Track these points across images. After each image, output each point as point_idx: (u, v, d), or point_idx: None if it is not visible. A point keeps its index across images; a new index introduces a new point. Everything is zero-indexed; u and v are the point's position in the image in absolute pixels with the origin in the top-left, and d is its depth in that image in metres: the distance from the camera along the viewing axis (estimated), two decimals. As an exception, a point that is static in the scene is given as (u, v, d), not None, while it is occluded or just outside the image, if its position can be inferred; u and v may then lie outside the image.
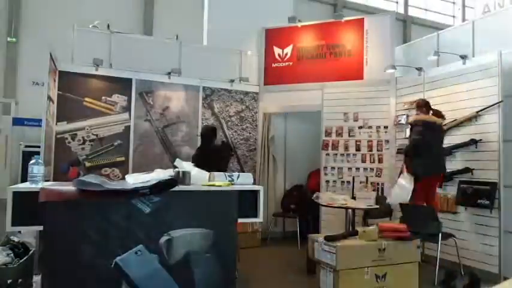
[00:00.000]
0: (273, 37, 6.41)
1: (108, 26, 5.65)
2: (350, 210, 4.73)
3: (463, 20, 17.58)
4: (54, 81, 4.84)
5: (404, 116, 5.32)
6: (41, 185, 2.50)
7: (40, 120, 4.50)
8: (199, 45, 6.43)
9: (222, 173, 3.07)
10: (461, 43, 5.07)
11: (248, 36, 6.47)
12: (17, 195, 2.37)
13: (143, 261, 2.51)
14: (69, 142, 5.06)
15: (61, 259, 2.41)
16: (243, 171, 5.62)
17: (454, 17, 18.87)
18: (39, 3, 11.64)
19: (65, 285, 2.42)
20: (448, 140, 4.76)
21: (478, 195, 4.32)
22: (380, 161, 5.52)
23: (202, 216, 2.70)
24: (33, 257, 3.38)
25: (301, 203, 6.04)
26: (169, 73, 5.61)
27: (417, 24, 17.36)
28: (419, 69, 5.24)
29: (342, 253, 3.40)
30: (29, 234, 3.63)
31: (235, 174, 3.03)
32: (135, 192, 2.55)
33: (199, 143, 5.79)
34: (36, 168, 2.53)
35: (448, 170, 4.69)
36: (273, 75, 6.33)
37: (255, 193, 2.91)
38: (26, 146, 9.71)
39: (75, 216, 2.44)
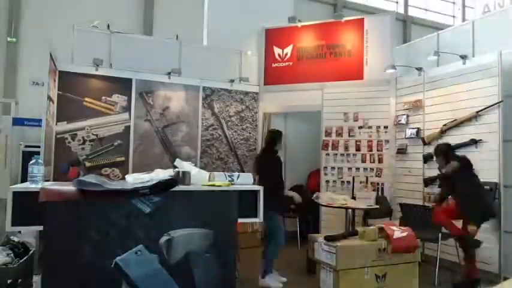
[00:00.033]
0: (273, 37, 6.41)
1: (108, 26, 5.65)
2: (350, 210, 4.73)
3: (463, 20, 17.57)
4: (54, 81, 4.84)
5: (404, 116, 5.33)
6: (41, 185, 2.50)
7: (40, 120, 4.50)
8: (199, 45, 6.43)
9: (221, 173, 3.08)
10: (461, 43, 5.07)
11: (248, 36, 6.47)
12: (17, 195, 2.37)
13: (143, 261, 2.51)
14: (69, 142, 5.06)
15: (61, 259, 2.41)
16: (243, 171, 5.62)
17: (454, 17, 18.86)
18: (39, 3, 11.63)
19: (64, 285, 2.42)
20: (448, 140, 4.76)
21: (478, 195, 4.31)
22: (380, 161, 5.52)
23: (202, 216, 2.70)
24: (33, 257, 3.38)
25: (301, 203, 6.02)
26: (169, 73, 5.61)
27: (417, 24, 17.34)
28: (419, 69, 5.24)
29: (342, 253, 3.40)
30: (29, 234, 3.64)
31: (235, 174, 3.03)
32: (135, 192, 2.55)
33: (199, 143, 5.81)
34: (36, 168, 2.53)
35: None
36: (273, 75, 6.32)
37: (255, 193, 2.91)
38: (26, 146, 9.71)
39: (75, 216, 2.44)
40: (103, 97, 5.27)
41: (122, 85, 5.39)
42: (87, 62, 5.19)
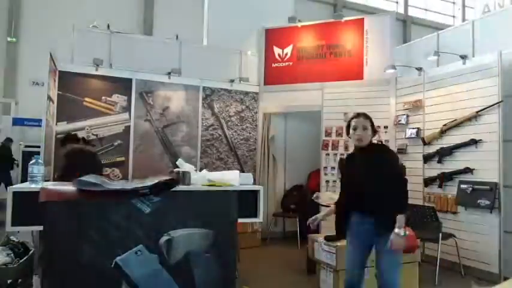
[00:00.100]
0: (273, 37, 6.41)
1: (108, 26, 5.66)
2: (350, 210, 4.71)
3: (463, 20, 17.58)
4: (54, 81, 4.84)
5: (404, 116, 5.33)
6: (41, 185, 2.49)
7: (40, 120, 4.50)
8: (199, 45, 6.43)
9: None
10: (461, 43, 5.07)
11: (248, 36, 6.47)
12: (17, 195, 2.37)
13: (143, 261, 2.51)
14: (69, 142, 5.06)
15: (61, 259, 2.41)
16: (243, 171, 5.62)
17: (454, 17, 18.87)
18: (39, 3, 11.64)
19: (64, 285, 2.42)
20: (448, 140, 4.76)
21: (478, 195, 4.32)
22: (380, 161, 5.51)
23: (202, 216, 2.70)
24: (33, 257, 3.38)
25: (301, 203, 6.04)
26: (169, 73, 5.61)
27: (417, 24, 17.36)
28: (419, 69, 5.23)
29: (342, 253, 3.39)
30: (25, 234, 3.63)
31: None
32: (135, 192, 2.55)
33: (199, 143, 5.81)
34: (36, 168, 2.52)
35: (448, 170, 4.71)
36: (273, 75, 6.32)
37: (255, 193, 2.91)
38: (26, 146, 9.73)
39: (75, 216, 2.44)
40: (103, 97, 5.27)
41: (122, 85, 5.39)
42: (87, 62, 5.19)
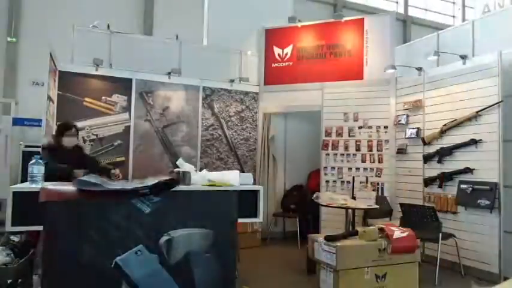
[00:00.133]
0: (273, 37, 6.41)
1: (108, 26, 5.65)
2: (350, 210, 4.72)
3: (463, 20, 17.56)
4: (54, 81, 4.84)
5: (404, 116, 5.33)
6: (41, 185, 2.50)
7: (40, 120, 4.50)
8: (199, 45, 6.43)
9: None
10: (461, 43, 5.07)
11: (248, 36, 6.47)
12: (17, 195, 2.37)
13: (143, 261, 2.51)
14: (69, 142, 5.05)
15: (61, 259, 2.41)
16: (243, 171, 5.62)
17: (454, 17, 18.85)
18: (39, 3, 11.62)
19: (64, 285, 2.42)
20: (448, 140, 4.76)
21: (478, 195, 4.33)
22: (380, 161, 5.52)
23: (202, 216, 2.70)
24: (33, 257, 3.37)
25: (301, 203, 6.04)
26: (169, 73, 5.61)
27: (417, 24, 17.33)
28: (419, 69, 5.23)
29: (342, 253, 3.40)
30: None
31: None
32: (135, 192, 2.55)
33: (199, 143, 5.81)
34: (36, 168, 2.53)
35: (448, 170, 4.71)
36: (273, 75, 6.32)
37: (255, 193, 2.91)
38: (26, 146, 9.70)
39: (75, 216, 2.44)
40: (103, 97, 5.27)
41: (122, 85, 5.39)
42: (87, 62, 5.19)
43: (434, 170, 4.90)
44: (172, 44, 6.02)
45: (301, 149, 6.43)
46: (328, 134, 5.83)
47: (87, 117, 5.16)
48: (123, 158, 5.33)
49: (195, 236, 2.66)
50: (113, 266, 2.44)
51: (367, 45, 5.81)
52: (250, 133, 6.22)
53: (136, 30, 11.81)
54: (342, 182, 5.67)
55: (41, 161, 2.59)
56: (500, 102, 4.23)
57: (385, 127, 5.54)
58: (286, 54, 6.29)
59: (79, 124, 5.08)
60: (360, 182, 5.44)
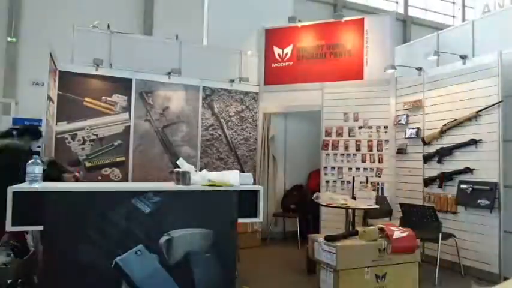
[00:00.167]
0: (273, 37, 6.41)
1: (108, 26, 5.65)
2: (350, 210, 4.72)
3: (463, 20, 17.57)
4: (54, 81, 4.84)
5: (404, 116, 5.33)
6: (41, 185, 2.50)
7: (40, 120, 4.50)
8: (199, 45, 6.43)
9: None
10: (461, 43, 5.07)
11: (248, 36, 6.47)
12: (17, 195, 2.37)
13: (143, 261, 2.51)
14: (69, 142, 5.06)
15: (61, 259, 2.41)
16: (243, 171, 5.62)
17: (454, 17, 18.85)
18: (39, 3, 11.62)
19: (65, 285, 2.42)
20: (448, 140, 4.76)
21: (478, 195, 4.32)
22: (380, 161, 5.52)
23: (202, 216, 2.70)
24: (33, 257, 3.37)
25: (301, 203, 6.05)
26: (169, 73, 5.61)
27: (417, 24, 17.33)
28: (419, 69, 5.23)
29: (342, 253, 3.40)
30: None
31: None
32: (135, 192, 2.55)
33: (199, 143, 5.81)
34: (36, 168, 2.53)
35: (448, 170, 4.71)
36: (273, 75, 6.33)
37: (255, 193, 2.91)
38: (26, 146, 9.69)
39: (75, 216, 2.44)
40: (103, 97, 5.28)
41: (122, 85, 5.39)
42: (87, 62, 5.19)
43: (434, 170, 4.90)
44: (172, 44, 6.02)
45: (301, 149, 6.43)
46: (328, 134, 5.83)
47: (87, 117, 5.17)
48: (123, 158, 5.33)
49: (195, 236, 2.66)
50: (113, 266, 2.44)
51: (367, 45, 5.81)
52: (250, 133, 6.22)
53: (136, 30, 11.81)
54: (342, 182, 5.68)
55: (40, 161, 2.59)
56: (500, 102, 4.23)
57: (385, 127, 5.54)
58: (286, 54, 6.29)
59: (79, 124, 5.11)
60: (360, 182, 5.44)
